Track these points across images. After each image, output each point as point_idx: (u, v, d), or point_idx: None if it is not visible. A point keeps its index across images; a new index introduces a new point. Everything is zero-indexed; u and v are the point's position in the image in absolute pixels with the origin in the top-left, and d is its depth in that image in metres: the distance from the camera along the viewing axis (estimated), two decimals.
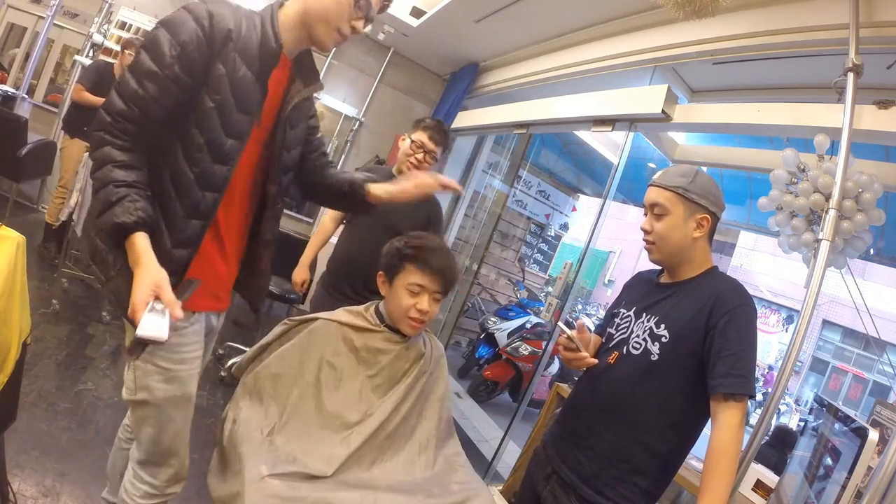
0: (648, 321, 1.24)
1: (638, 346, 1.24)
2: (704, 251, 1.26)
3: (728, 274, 1.27)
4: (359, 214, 1.96)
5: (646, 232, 1.27)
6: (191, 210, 1.01)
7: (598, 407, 1.27)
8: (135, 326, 0.85)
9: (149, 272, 0.91)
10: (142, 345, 0.88)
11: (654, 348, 1.20)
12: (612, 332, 1.34)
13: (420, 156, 2.01)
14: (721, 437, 1.07)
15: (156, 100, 0.96)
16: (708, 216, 1.22)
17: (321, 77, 1.22)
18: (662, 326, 1.21)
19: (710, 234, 1.26)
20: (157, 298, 0.89)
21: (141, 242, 0.93)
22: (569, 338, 1.26)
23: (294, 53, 1.13)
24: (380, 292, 1.32)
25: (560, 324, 1.32)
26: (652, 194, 1.26)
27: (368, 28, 1.12)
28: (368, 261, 1.59)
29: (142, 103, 0.95)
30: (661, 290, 1.29)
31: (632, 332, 1.27)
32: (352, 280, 2.01)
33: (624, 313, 1.33)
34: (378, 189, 1.32)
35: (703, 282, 1.23)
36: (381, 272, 1.31)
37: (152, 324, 0.86)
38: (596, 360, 1.29)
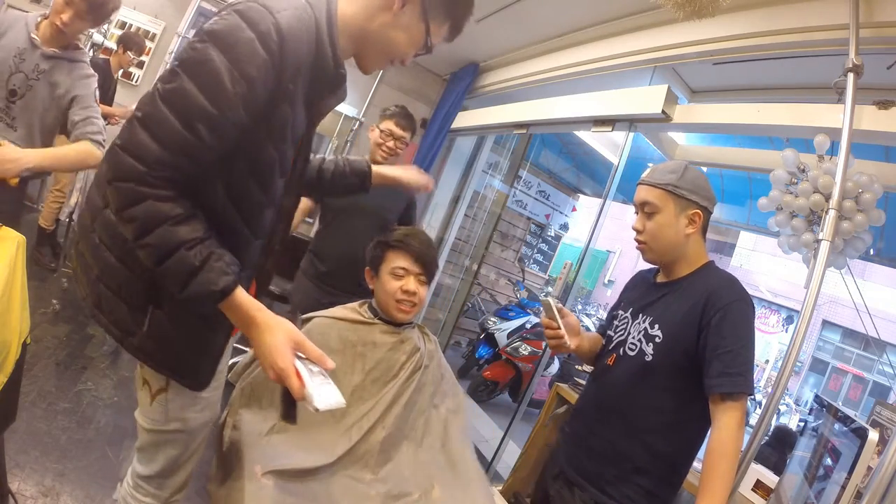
0: (644, 322, 1.24)
1: (633, 347, 1.24)
2: (698, 247, 1.25)
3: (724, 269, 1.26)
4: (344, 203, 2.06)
5: (638, 231, 1.26)
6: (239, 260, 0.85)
7: (598, 408, 1.28)
8: (289, 396, 0.78)
9: (276, 331, 0.79)
10: (294, 408, 0.80)
11: (649, 349, 1.20)
12: (612, 334, 1.34)
13: (391, 143, 2.12)
14: (719, 437, 1.06)
15: (211, 148, 0.76)
16: (699, 211, 1.22)
17: None
18: (656, 327, 1.20)
19: (703, 230, 1.25)
20: (299, 356, 0.79)
21: (245, 299, 0.80)
22: (547, 315, 1.27)
23: None
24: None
25: (542, 297, 1.35)
26: (642, 193, 1.25)
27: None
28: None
29: (192, 151, 0.75)
30: (656, 290, 1.29)
31: (629, 333, 1.27)
32: (356, 278, 2.01)
33: (622, 315, 1.34)
34: (384, 171, 1.36)
35: (697, 279, 1.22)
36: (367, 268, 1.38)
37: (322, 391, 0.76)
38: (572, 346, 1.28)
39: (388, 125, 2.12)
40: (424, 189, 1.42)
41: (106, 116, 3.38)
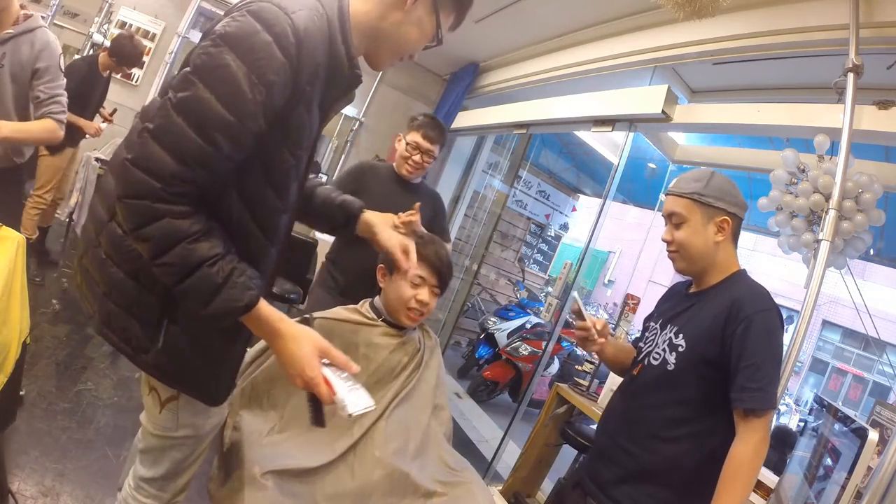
0: (670, 332, 1.24)
1: (657, 356, 1.23)
2: (729, 254, 1.24)
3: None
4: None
5: (667, 242, 1.25)
6: (252, 265, 0.82)
7: (619, 418, 1.28)
8: (317, 401, 0.80)
9: (302, 341, 0.80)
10: (322, 412, 0.82)
11: (671, 358, 1.18)
12: (641, 345, 1.34)
13: (417, 157, 1.93)
14: (738, 453, 1.05)
15: (230, 158, 0.74)
16: (728, 218, 1.20)
17: None
18: (681, 336, 1.19)
19: (733, 236, 1.23)
20: (326, 363, 0.81)
21: (268, 310, 0.79)
22: (578, 310, 1.33)
23: None
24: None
25: (574, 294, 1.39)
26: (669, 203, 1.24)
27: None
28: None
29: (210, 162, 0.72)
30: (686, 301, 1.28)
31: (655, 343, 1.27)
32: (376, 292, 1.91)
33: (652, 326, 1.34)
34: (374, 225, 1.23)
35: (724, 289, 1.20)
36: (381, 265, 1.34)
37: (353, 396, 0.78)
38: (602, 340, 1.33)
39: (415, 137, 1.92)
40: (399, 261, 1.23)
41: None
